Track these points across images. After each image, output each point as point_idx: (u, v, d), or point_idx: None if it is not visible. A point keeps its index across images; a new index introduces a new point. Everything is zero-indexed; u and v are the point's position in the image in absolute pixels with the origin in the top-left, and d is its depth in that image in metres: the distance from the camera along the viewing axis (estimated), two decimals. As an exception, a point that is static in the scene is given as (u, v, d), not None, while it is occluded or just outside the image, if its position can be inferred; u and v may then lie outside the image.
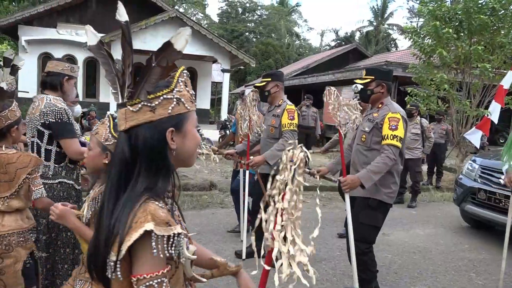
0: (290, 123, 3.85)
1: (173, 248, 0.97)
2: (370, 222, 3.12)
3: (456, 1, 10.22)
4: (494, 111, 5.21)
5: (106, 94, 15.49)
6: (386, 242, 5.09)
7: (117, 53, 13.90)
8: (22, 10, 15.58)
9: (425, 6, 9.33)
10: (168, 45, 1.01)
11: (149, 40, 13.70)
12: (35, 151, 2.67)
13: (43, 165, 2.62)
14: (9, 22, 14.88)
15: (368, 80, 3.21)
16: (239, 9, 40.73)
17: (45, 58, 15.81)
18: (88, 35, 1.08)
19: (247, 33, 39.28)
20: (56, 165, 2.67)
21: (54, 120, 2.58)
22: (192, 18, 24.87)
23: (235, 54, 14.40)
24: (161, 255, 0.96)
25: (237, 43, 33.68)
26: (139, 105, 1.01)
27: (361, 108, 3.37)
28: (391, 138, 2.95)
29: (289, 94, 19.85)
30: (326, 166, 3.51)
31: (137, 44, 13.66)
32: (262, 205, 1.18)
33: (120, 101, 1.05)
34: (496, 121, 5.22)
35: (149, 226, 0.94)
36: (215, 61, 18.29)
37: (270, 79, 3.99)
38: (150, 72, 1.01)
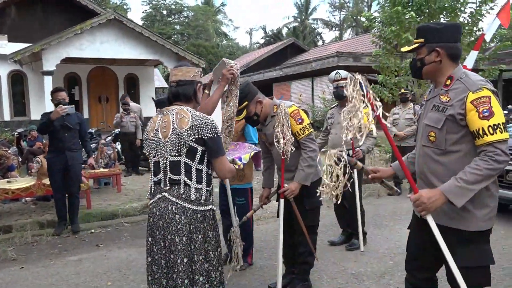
0: (302, 127, 3.15)
1: None
2: (476, 262, 2.01)
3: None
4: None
5: (38, 110, 13.83)
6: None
7: (49, 63, 12.44)
8: None
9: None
10: None
11: (86, 47, 12.38)
12: (182, 171, 2.21)
13: (195, 189, 2.16)
14: None
15: (415, 45, 2.11)
16: (164, 11, 39.32)
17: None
18: None
19: (175, 36, 38.06)
20: (208, 188, 2.25)
21: (211, 135, 2.18)
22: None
23: (182, 56, 13.56)
24: None
25: (167, 46, 32.38)
26: None
27: None
28: (491, 131, 1.88)
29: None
30: (391, 166, 2.43)
31: (73, 52, 12.32)
32: None
33: None
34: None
35: None
36: (156, 65, 17.25)
37: (246, 102, 3.16)
38: None
